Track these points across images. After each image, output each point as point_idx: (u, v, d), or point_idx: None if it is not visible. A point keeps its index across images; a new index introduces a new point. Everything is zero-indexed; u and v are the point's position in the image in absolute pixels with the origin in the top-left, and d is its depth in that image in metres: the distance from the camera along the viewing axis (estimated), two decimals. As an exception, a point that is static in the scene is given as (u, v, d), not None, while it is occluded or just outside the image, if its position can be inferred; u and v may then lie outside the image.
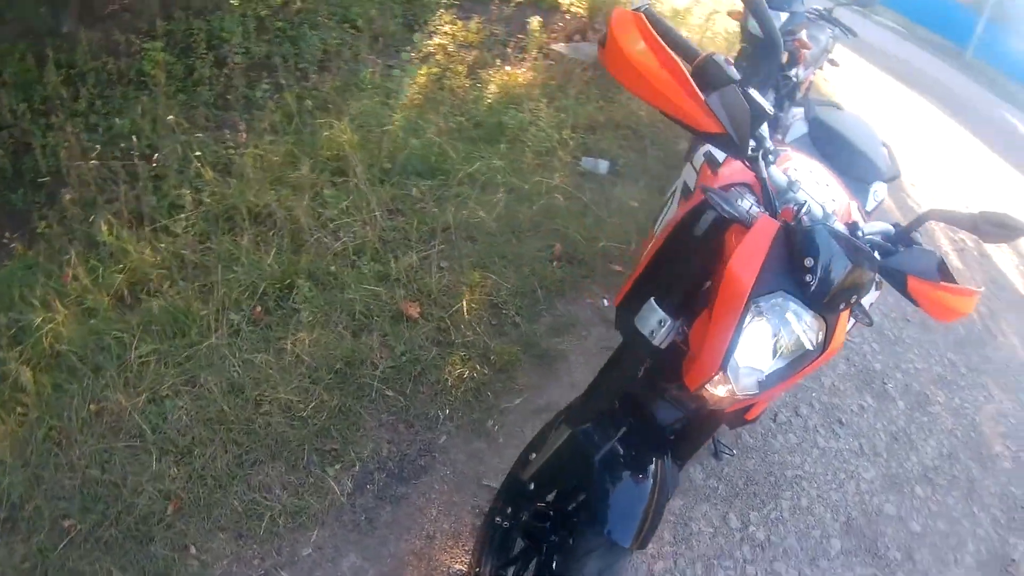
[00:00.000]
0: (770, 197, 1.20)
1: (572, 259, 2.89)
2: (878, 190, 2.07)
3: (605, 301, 2.79)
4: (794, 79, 3.40)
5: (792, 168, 1.46)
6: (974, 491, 2.64)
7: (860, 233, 1.22)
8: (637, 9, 1.13)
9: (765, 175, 1.19)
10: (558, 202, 3.12)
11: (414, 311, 2.33)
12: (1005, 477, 2.78)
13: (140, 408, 1.65)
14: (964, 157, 6.34)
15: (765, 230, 1.12)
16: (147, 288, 2.13)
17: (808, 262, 1.07)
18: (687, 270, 1.27)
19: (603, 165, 3.57)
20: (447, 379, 2.16)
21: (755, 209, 1.19)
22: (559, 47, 4.27)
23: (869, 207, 2.04)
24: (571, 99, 3.92)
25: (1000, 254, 5.14)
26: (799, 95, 3.63)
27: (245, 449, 1.69)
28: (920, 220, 1.27)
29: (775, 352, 1.11)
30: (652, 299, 1.26)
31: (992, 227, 1.16)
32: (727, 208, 1.16)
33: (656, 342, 1.24)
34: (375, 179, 2.68)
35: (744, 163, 1.18)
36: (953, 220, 1.22)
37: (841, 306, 1.12)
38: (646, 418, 1.42)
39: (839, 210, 1.41)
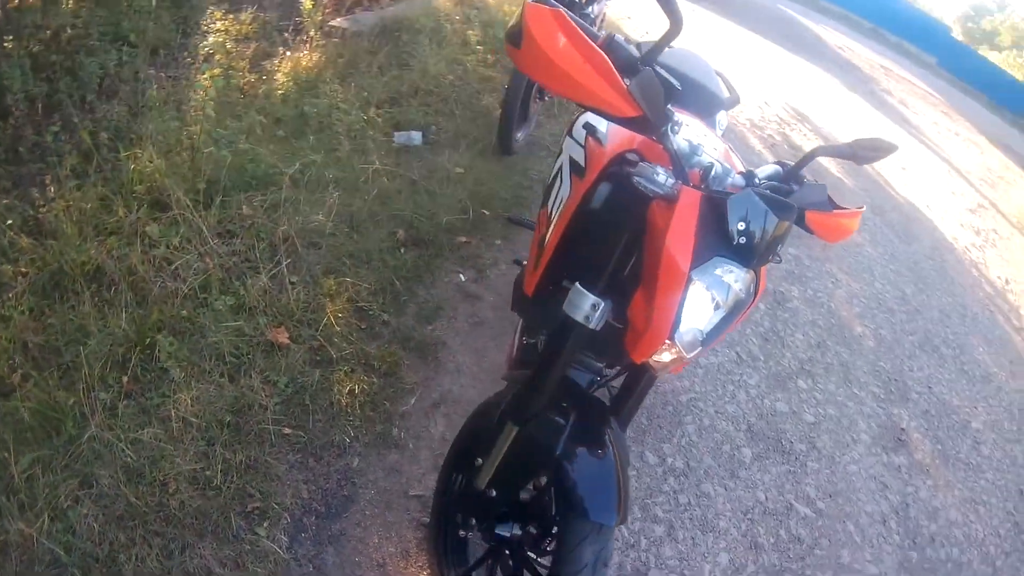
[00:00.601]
0: (680, 165, 1.27)
1: (418, 241, 3.02)
2: (722, 119, 2.34)
3: (462, 276, 2.98)
4: (591, 15, 3.73)
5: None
6: (849, 374, 3.24)
7: (757, 180, 1.36)
8: (553, 4, 1.14)
9: (675, 147, 1.27)
10: (387, 185, 3.21)
11: (283, 337, 2.35)
12: (872, 355, 3.45)
13: (45, 530, 1.56)
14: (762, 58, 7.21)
15: (690, 203, 1.21)
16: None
17: (740, 226, 1.18)
18: (607, 250, 1.33)
19: (416, 136, 3.67)
20: (339, 399, 2.23)
21: (670, 181, 1.26)
22: (338, 22, 4.20)
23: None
24: (365, 74, 3.93)
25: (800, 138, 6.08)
26: (596, 30, 3.97)
27: (169, 538, 1.67)
28: (808, 158, 1.38)
29: (714, 309, 1.23)
30: (577, 284, 1.32)
31: (868, 151, 1.33)
32: (652, 187, 1.24)
33: (592, 325, 1.31)
34: (197, 204, 2.57)
35: (649, 136, 1.25)
36: (836, 153, 1.35)
37: (769, 256, 1.25)
38: (568, 387, 1.51)
39: (727, 160, 1.52)
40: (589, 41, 1.12)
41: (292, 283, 2.53)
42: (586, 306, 1.31)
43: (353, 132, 3.44)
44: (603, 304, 1.32)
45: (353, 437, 2.16)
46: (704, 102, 2.38)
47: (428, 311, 2.73)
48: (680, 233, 1.19)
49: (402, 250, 2.94)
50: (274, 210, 2.76)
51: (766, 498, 2.59)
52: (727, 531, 2.41)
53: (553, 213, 1.61)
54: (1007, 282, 5.48)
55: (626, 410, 1.58)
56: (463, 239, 3.16)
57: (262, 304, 2.40)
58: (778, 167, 1.45)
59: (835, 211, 1.36)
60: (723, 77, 2.54)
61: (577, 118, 1.81)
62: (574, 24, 1.13)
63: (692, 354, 1.25)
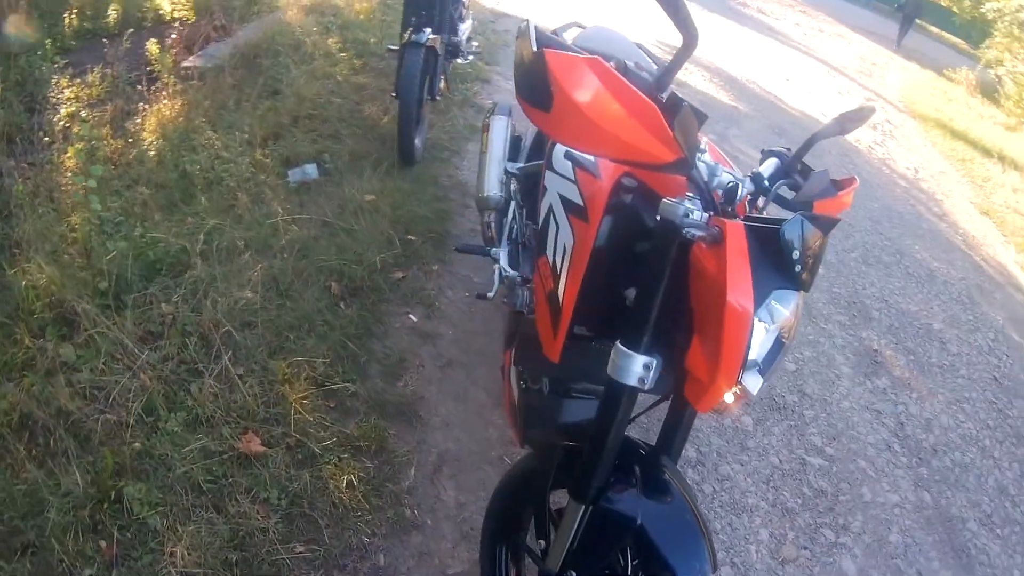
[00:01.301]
0: (708, 194, 1.24)
1: (354, 290, 2.92)
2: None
3: (412, 316, 2.92)
4: (462, 31, 3.73)
5: None
6: (811, 309, 3.42)
7: (765, 183, 1.34)
8: (589, 54, 1.08)
9: (704, 180, 1.25)
10: (300, 234, 3.07)
11: (255, 445, 2.22)
12: (826, 283, 3.64)
13: None
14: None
15: (738, 239, 1.16)
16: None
17: (795, 255, 1.15)
18: (646, 302, 1.27)
19: (311, 170, 3.53)
20: (339, 497, 2.14)
21: (705, 216, 1.20)
22: (191, 62, 3.97)
23: None
24: (236, 112, 3.74)
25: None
26: (464, 11, 3.94)
27: None
28: (807, 146, 1.41)
29: (766, 333, 1.20)
30: (620, 345, 1.27)
31: (854, 121, 1.36)
32: (695, 231, 1.17)
33: (647, 387, 1.27)
34: (108, 310, 2.39)
35: (682, 175, 1.21)
36: (829, 133, 1.35)
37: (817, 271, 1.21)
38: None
39: (720, 160, 1.50)
40: (636, 90, 1.06)
41: (241, 377, 2.40)
42: (637, 369, 1.27)
43: (244, 181, 3.27)
44: (655, 362, 1.27)
45: (370, 533, 2.09)
46: (632, 80, 2.43)
47: (392, 366, 2.66)
48: (737, 276, 1.14)
49: (341, 305, 2.84)
50: (193, 296, 2.59)
51: (780, 461, 2.72)
52: (757, 507, 2.52)
53: (559, 264, 1.53)
54: (916, 171, 5.93)
55: (676, 445, 1.52)
56: (399, 274, 3.09)
57: (218, 411, 2.26)
58: (776, 159, 1.44)
59: (840, 194, 1.39)
60: (644, 49, 2.59)
61: (552, 148, 1.73)
62: (614, 71, 1.06)
63: (756, 391, 1.22)
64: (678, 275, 1.26)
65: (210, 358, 2.42)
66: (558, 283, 1.51)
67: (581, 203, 1.49)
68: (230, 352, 2.44)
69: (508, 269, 2.53)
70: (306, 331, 2.65)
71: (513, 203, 2.72)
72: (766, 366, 1.23)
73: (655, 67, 2.47)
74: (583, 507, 1.44)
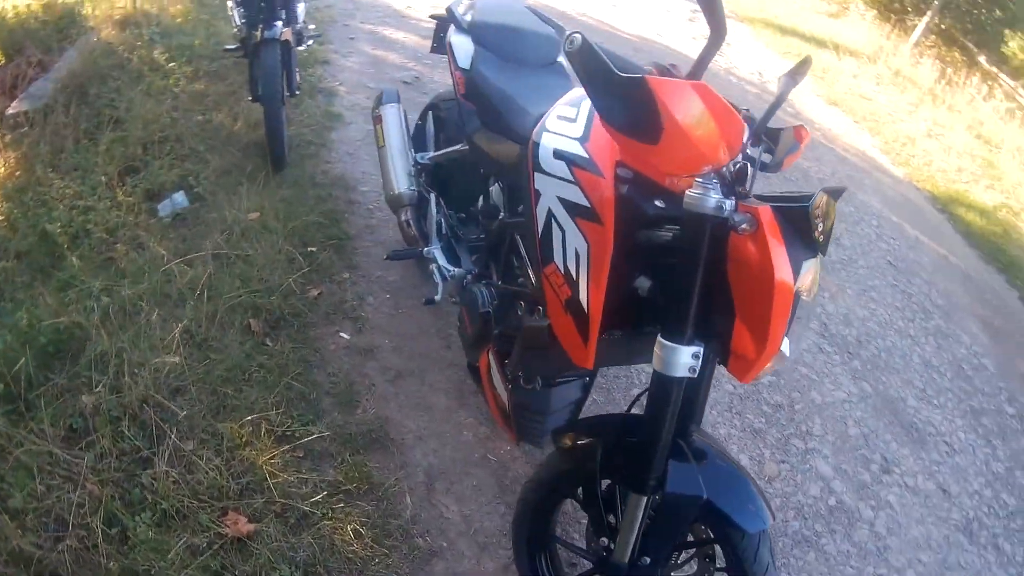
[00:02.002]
0: (729, 180, 1.28)
1: (275, 322, 2.70)
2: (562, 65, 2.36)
3: (343, 334, 2.75)
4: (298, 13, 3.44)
5: None
6: None
7: (750, 154, 1.36)
8: (683, 75, 1.11)
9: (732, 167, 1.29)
10: (195, 274, 2.76)
11: (243, 525, 2.02)
12: None
13: None
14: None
15: (771, 223, 1.22)
16: None
17: (819, 226, 1.24)
18: (683, 294, 1.30)
19: (180, 199, 3.18)
20: (351, 550, 2.02)
21: (732, 204, 1.24)
22: (15, 107, 3.39)
23: None
24: (80, 152, 3.26)
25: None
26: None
27: None
28: (773, 110, 1.40)
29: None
30: (662, 339, 1.32)
31: (800, 74, 1.39)
32: (743, 226, 1.22)
33: (696, 375, 1.33)
34: (19, 420, 2.06)
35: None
36: (785, 92, 1.36)
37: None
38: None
39: None
40: (732, 109, 1.09)
41: (195, 452, 2.16)
42: (686, 360, 1.31)
43: (113, 230, 2.88)
44: (702, 349, 1.32)
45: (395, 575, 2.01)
46: (543, 51, 2.37)
47: (343, 394, 2.51)
48: (778, 258, 1.21)
49: (268, 342, 2.62)
50: (107, 376, 2.28)
51: (733, 387, 2.90)
52: (730, 435, 2.68)
53: (574, 271, 1.48)
54: (761, 75, 6.29)
55: (699, 410, 1.57)
56: (314, 292, 2.89)
57: (185, 499, 2.04)
58: (745, 124, 1.43)
59: (800, 147, 1.47)
60: (538, 13, 2.52)
61: (535, 147, 1.62)
62: (715, 92, 1.07)
63: (789, 352, 1.31)
64: (711, 262, 1.30)
65: (152, 441, 2.16)
66: (577, 290, 1.48)
67: (588, 204, 1.45)
68: (172, 429, 2.19)
69: (450, 267, 2.45)
70: (243, 381, 2.43)
71: (432, 196, 2.60)
72: (792, 328, 1.30)
73: (551, 29, 2.41)
74: (643, 500, 1.48)
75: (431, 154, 2.70)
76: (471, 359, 2.36)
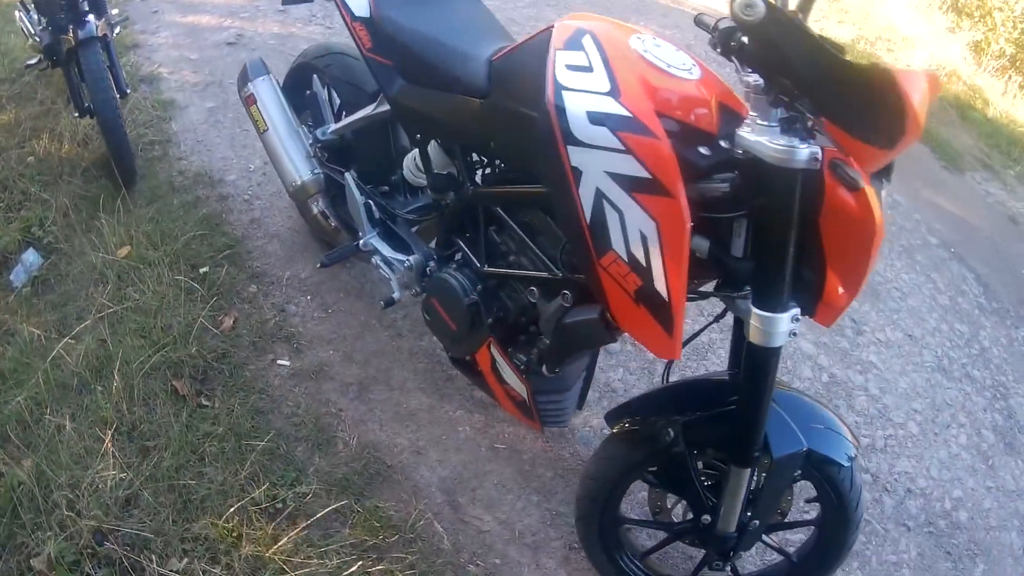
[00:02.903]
0: (804, 124, 1.15)
1: (199, 372, 2.24)
2: None
3: (282, 361, 2.35)
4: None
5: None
6: None
7: None
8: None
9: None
10: (86, 349, 2.21)
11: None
12: None
13: None
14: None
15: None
16: None
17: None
18: (774, 259, 1.21)
19: (31, 258, 2.57)
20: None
21: (819, 153, 1.13)
22: None
23: None
24: None
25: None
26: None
27: None
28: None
29: None
30: (756, 310, 1.23)
31: None
32: (858, 181, 1.13)
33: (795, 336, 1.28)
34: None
35: None
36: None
37: None
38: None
39: None
40: None
41: (184, 571, 1.77)
42: (785, 328, 1.24)
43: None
44: (798, 310, 1.25)
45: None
46: (488, 33, 2.00)
47: (315, 434, 2.15)
48: (876, 201, 1.14)
49: (204, 402, 2.18)
50: (38, 517, 1.80)
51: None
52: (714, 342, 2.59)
53: (643, 256, 1.25)
54: None
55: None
56: (228, 321, 2.43)
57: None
58: None
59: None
60: None
61: (561, 116, 1.30)
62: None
63: None
64: (807, 217, 1.20)
65: (131, 567, 1.74)
66: (650, 277, 1.26)
67: (649, 175, 1.21)
68: (147, 555, 1.77)
69: (402, 256, 2.10)
70: (199, 463, 2.01)
71: (348, 176, 2.19)
72: None
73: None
74: (747, 471, 1.45)
75: (333, 127, 2.26)
76: (456, 353, 2.07)
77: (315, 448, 2.12)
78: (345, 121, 2.19)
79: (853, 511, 1.54)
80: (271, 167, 2.48)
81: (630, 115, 1.25)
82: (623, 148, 1.24)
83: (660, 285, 1.26)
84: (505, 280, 1.79)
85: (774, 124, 1.14)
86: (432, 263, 2.02)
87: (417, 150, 2.00)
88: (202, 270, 2.55)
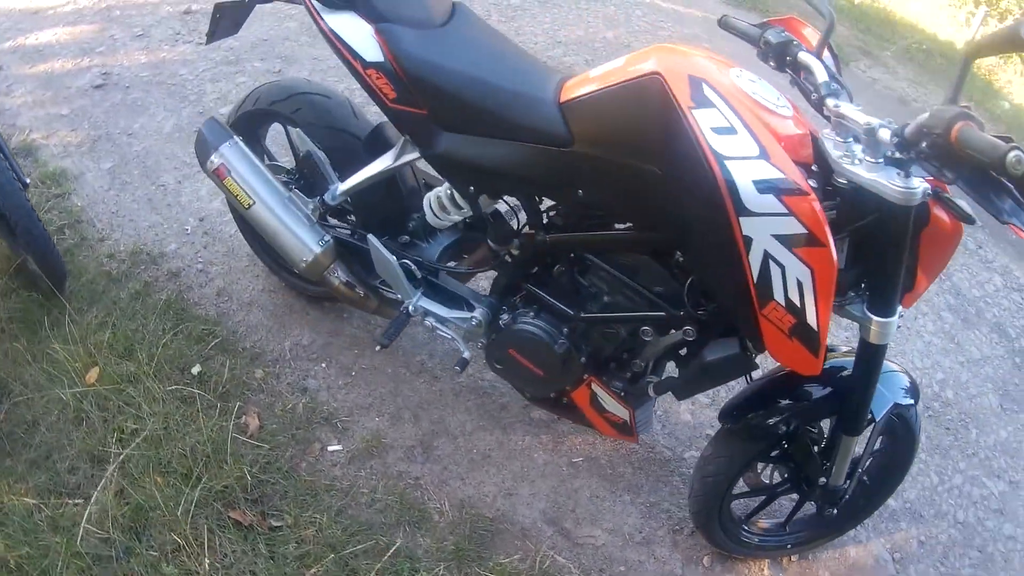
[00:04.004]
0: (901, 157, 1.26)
1: (258, 493, 2.05)
2: None
3: (333, 447, 2.19)
4: None
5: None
6: None
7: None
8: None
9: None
10: (115, 510, 1.93)
11: None
12: None
13: None
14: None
15: None
16: None
17: None
18: (888, 273, 1.37)
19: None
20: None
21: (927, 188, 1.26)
22: None
23: None
24: None
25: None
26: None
27: None
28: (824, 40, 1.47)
29: None
30: (875, 316, 1.41)
31: None
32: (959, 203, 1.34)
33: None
34: None
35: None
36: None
37: None
38: None
39: None
40: None
41: None
42: (895, 326, 1.42)
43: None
44: (901, 307, 1.44)
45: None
46: (526, 66, 1.80)
47: (405, 516, 2.04)
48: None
49: (274, 523, 2.00)
50: None
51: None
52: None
53: (798, 300, 1.33)
54: None
55: None
56: (252, 422, 2.21)
57: None
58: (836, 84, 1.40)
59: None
60: None
61: (734, 191, 1.30)
62: None
63: None
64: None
65: None
66: (803, 315, 1.35)
67: (805, 231, 1.27)
68: None
69: (459, 313, 1.97)
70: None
71: (373, 239, 1.97)
72: None
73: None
74: (854, 438, 1.65)
75: (341, 188, 1.99)
76: (542, 395, 2.01)
77: (413, 528, 2.03)
78: (357, 179, 1.93)
79: (917, 437, 1.78)
80: (211, 220, 2.18)
81: (784, 176, 1.27)
82: (787, 212, 1.27)
83: (812, 320, 1.34)
84: (636, 322, 1.73)
85: (880, 160, 1.25)
86: (505, 315, 1.90)
87: (440, 190, 1.85)
88: (194, 370, 2.28)
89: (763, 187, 1.27)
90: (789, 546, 2.04)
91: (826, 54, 1.46)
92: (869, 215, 1.31)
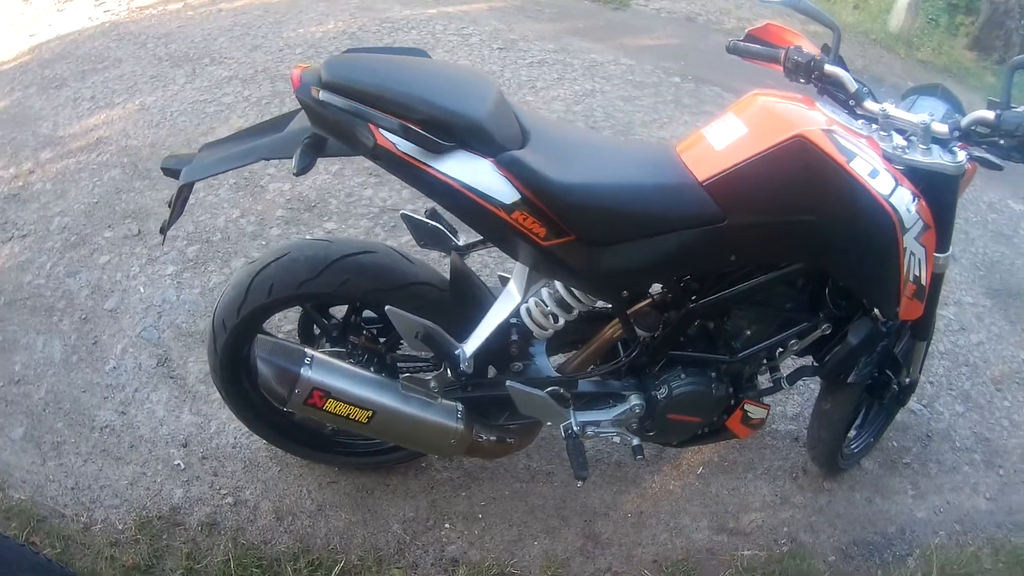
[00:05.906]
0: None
1: None
2: None
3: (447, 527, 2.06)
4: None
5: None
6: None
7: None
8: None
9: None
10: None
11: None
12: None
13: None
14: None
15: None
16: None
17: None
18: (945, 216, 1.64)
19: None
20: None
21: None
22: None
23: None
24: None
25: None
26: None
27: None
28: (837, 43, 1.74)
29: None
30: (938, 255, 1.68)
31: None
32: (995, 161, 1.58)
33: None
34: None
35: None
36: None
37: None
38: None
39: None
40: None
41: None
42: (951, 258, 1.84)
43: None
44: None
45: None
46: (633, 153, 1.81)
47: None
48: None
49: None
50: None
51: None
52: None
53: (919, 271, 1.65)
54: None
55: None
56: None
57: None
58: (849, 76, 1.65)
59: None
60: (397, 50, 1.68)
61: (901, 217, 1.55)
62: None
63: None
64: None
65: None
66: (921, 282, 1.65)
67: (925, 224, 1.58)
68: None
69: (618, 409, 1.93)
70: None
71: (513, 383, 1.81)
72: None
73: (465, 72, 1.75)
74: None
75: (473, 349, 1.69)
76: (694, 435, 2.08)
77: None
78: (484, 334, 1.68)
79: None
80: (197, 442, 1.81)
81: (908, 191, 1.54)
82: (919, 217, 1.56)
83: (925, 281, 1.66)
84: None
85: (930, 144, 1.55)
86: (655, 389, 1.89)
87: (535, 299, 1.77)
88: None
89: (908, 207, 1.54)
90: (873, 440, 2.47)
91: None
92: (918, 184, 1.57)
